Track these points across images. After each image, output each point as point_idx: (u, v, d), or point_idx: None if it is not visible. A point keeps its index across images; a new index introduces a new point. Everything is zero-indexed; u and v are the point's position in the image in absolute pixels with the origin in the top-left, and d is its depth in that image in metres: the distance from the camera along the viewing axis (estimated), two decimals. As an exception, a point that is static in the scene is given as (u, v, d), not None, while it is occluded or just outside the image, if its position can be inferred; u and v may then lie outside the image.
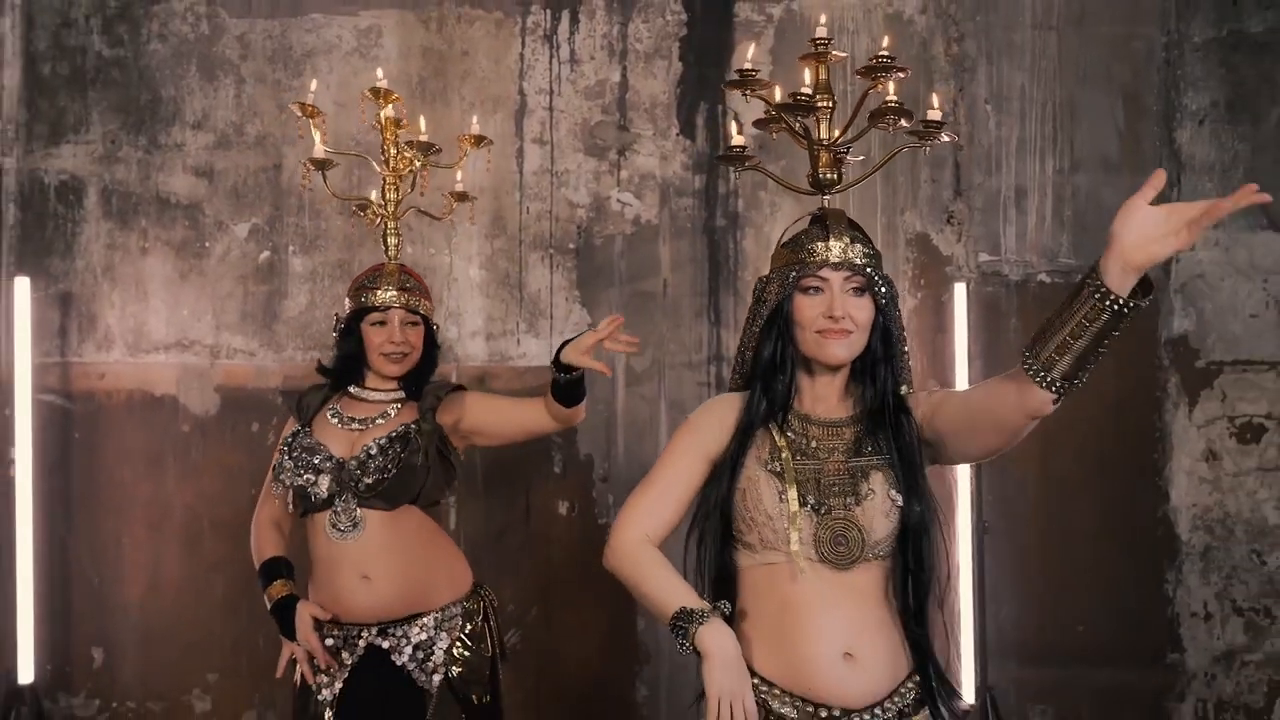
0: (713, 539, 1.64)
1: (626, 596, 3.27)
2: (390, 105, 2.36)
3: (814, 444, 1.63)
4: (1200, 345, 3.30)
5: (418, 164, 2.38)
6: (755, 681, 1.57)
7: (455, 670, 2.22)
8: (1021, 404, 1.44)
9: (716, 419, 1.69)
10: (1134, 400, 3.29)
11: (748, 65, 1.80)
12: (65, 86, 3.36)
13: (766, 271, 1.73)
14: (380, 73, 2.45)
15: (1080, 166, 3.31)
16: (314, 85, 2.55)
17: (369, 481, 2.17)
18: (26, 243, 3.34)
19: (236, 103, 3.36)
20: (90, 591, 3.34)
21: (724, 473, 1.63)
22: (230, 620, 3.34)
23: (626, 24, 3.34)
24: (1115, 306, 1.32)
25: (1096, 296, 1.33)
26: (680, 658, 3.28)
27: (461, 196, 2.61)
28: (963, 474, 3.11)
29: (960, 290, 3.12)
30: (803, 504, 1.57)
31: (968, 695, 3.08)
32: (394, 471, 2.18)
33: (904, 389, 1.70)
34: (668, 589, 1.60)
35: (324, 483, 2.17)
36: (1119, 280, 1.32)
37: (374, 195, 2.50)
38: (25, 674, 3.14)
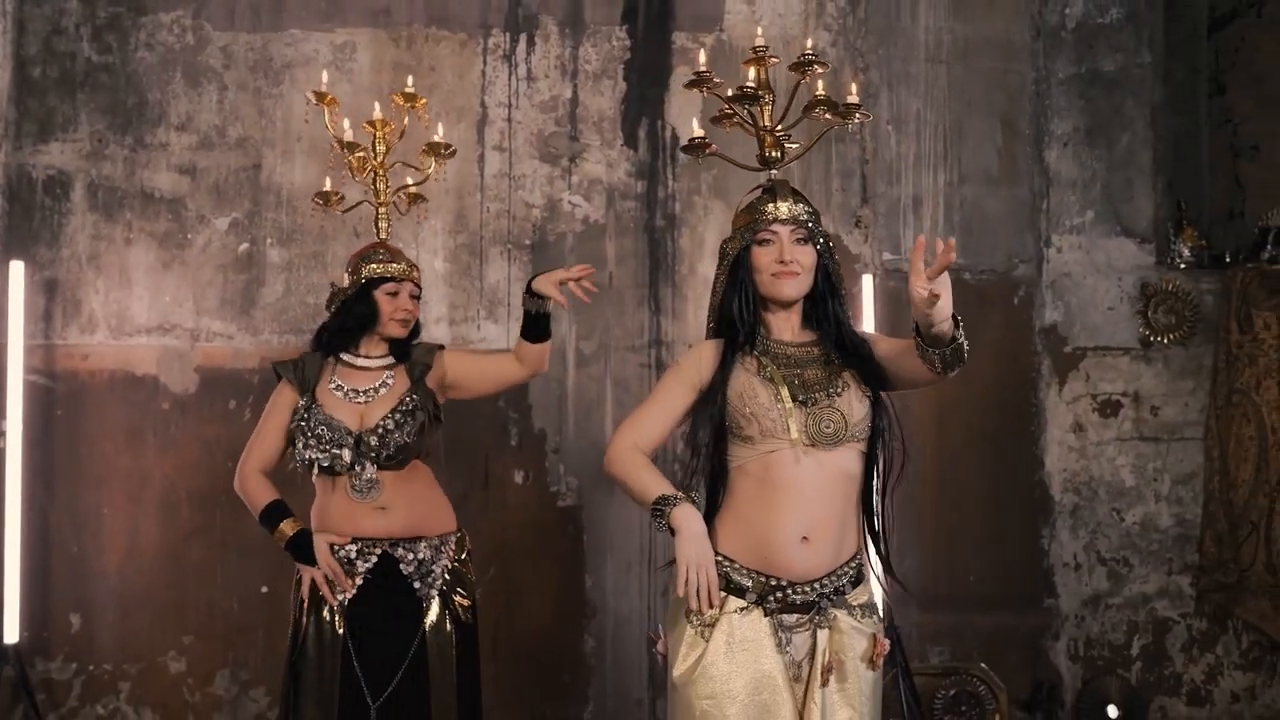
0: (712, 443, 1.97)
1: (575, 558, 3.67)
2: (417, 110, 2.74)
3: (791, 356, 1.99)
4: (1067, 333, 3.84)
5: (428, 169, 2.74)
6: (719, 558, 1.94)
7: (447, 586, 2.55)
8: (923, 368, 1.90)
9: (698, 357, 2.05)
10: (1014, 380, 3.80)
11: (702, 68, 2.22)
12: (55, 88, 3.60)
13: (709, 264, 2.15)
14: (410, 80, 2.80)
15: (967, 180, 3.84)
16: (325, 76, 2.88)
17: (388, 453, 2.51)
18: (13, 232, 3.54)
19: (219, 107, 3.65)
20: (69, 560, 3.53)
21: (717, 387, 1.97)
22: (205, 584, 3.56)
23: (577, 47, 3.75)
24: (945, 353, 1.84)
25: (926, 352, 1.84)
26: (623, 612, 3.65)
27: (416, 198, 2.88)
28: (871, 442, 3.57)
29: (868, 281, 3.59)
30: (794, 400, 1.93)
31: (876, 633, 3.51)
32: (408, 442, 2.52)
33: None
34: (650, 483, 1.96)
35: (345, 455, 2.48)
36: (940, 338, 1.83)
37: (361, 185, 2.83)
38: (10, 634, 3.31)
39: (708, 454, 1.99)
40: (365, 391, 2.57)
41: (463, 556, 2.65)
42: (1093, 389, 3.82)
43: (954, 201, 3.82)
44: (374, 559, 2.50)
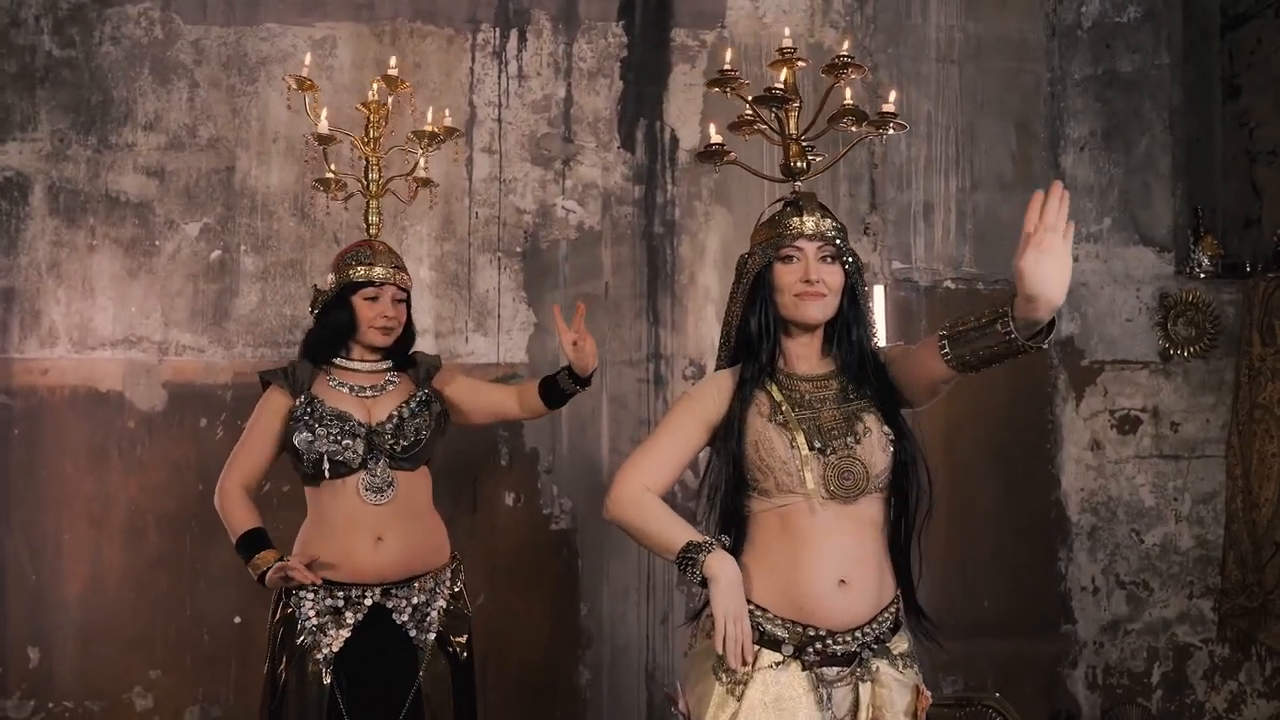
0: (727, 488, 1.79)
1: (569, 584, 3.45)
2: (398, 94, 2.51)
3: (807, 396, 1.80)
4: (1084, 346, 3.66)
5: (428, 147, 2.53)
6: (750, 608, 1.73)
7: (444, 628, 2.35)
8: (943, 369, 1.70)
9: (714, 389, 1.85)
10: (1028, 395, 3.62)
11: (727, 66, 2.02)
12: (12, 84, 3.36)
13: (711, 272, 1.95)
14: (394, 60, 2.59)
15: (980, 185, 3.66)
16: (308, 59, 2.66)
17: (405, 443, 2.30)
18: (-33, 238, 3.32)
19: (190, 106, 3.42)
20: (27, 589, 3.28)
21: (732, 431, 1.78)
22: (173, 615, 3.32)
23: (571, 44, 3.55)
24: (1022, 348, 1.58)
25: (1009, 338, 1.57)
26: (620, 641, 3.44)
27: (425, 182, 2.72)
28: (881, 461, 3.37)
29: (879, 291, 3.41)
30: (810, 448, 1.74)
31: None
32: (426, 434, 2.34)
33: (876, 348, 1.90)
34: (672, 528, 1.75)
35: (359, 447, 2.27)
36: (1032, 325, 1.55)
37: (353, 178, 2.61)
38: (-40, 671, 3.08)
39: (724, 500, 1.81)
40: (371, 388, 2.39)
41: (458, 589, 2.46)
42: (1111, 404, 3.65)
43: (966, 208, 3.64)
44: (364, 611, 2.28)
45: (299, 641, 2.25)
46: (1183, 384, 3.67)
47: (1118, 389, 3.65)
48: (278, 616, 2.31)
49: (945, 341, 1.66)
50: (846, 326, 1.86)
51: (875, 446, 1.78)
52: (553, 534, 3.45)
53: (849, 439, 1.77)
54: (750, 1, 3.58)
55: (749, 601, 1.74)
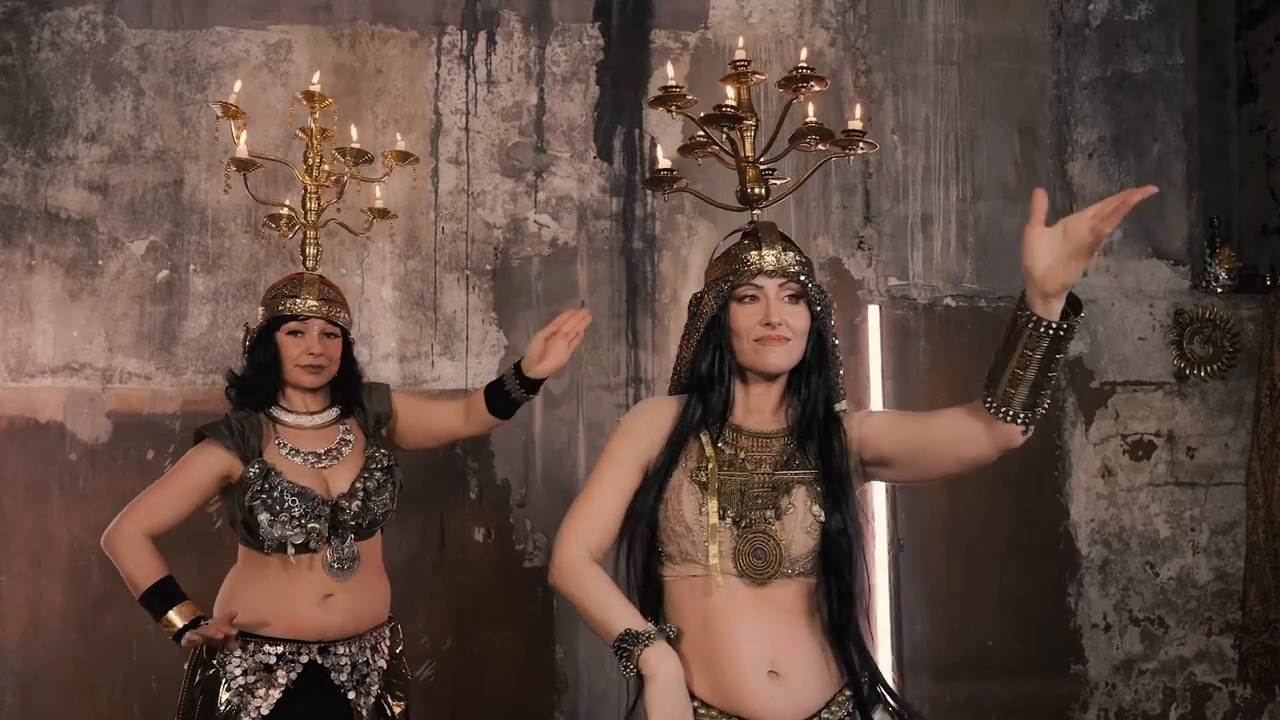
0: (640, 549, 1.58)
1: (543, 625, 3.22)
2: (320, 111, 2.28)
3: (742, 455, 1.58)
4: (1094, 367, 3.42)
5: (345, 173, 2.30)
6: (695, 704, 1.49)
7: (383, 690, 2.15)
8: (992, 440, 1.45)
9: (648, 422, 1.63)
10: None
11: (670, 82, 1.79)
12: (-55, 94, 3.15)
13: (693, 290, 1.71)
14: (316, 77, 2.35)
15: (981, 194, 3.42)
16: (238, 86, 2.42)
17: (371, 519, 2.14)
18: (-103, 259, 3.09)
19: (135, 115, 3.19)
20: (-39, 634, 3.08)
21: (653, 482, 1.57)
22: (119, 660, 3.09)
23: (544, 47, 3.32)
24: (1050, 331, 1.35)
25: (1030, 325, 1.36)
26: (599, 687, 3.22)
27: (382, 213, 2.52)
28: (878, 492, 3.14)
29: (874, 312, 3.17)
30: (722, 516, 1.51)
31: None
32: (391, 505, 2.18)
33: (840, 405, 1.66)
34: (611, 610, 1.52)
35: (323, 529, 2.07)
36: (1043, 308, 1.35)
37: (288, 205, 2.40)
38: (-115, 727, 2.87)
39: (638, 560, 1.58)
40: (326, 454, 2.16)
41: (398, 650, 2.25)
42: (1123, 428, 3.41)
43: (967, 219, 3.40)
44: (299, 669, 2.06)
45: (221, 707, 2.02)
46: (1199, 406, 3.43)
47: (1130, 412, 3.41)
48: (197, 680, 2.08)
49: (987, 393, 1.43)
50: (807, 374, 1.62)
51: (797, 526, 1.53)
52: (525, 571, 3.22)
53: (769, 512, 1.53)
54: (735, 1, 3.35)
55: (690, 695, 1.49)
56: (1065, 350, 1.39)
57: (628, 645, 1.47)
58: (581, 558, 1.58)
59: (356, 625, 2.14)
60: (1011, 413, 1.41)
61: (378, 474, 2.17)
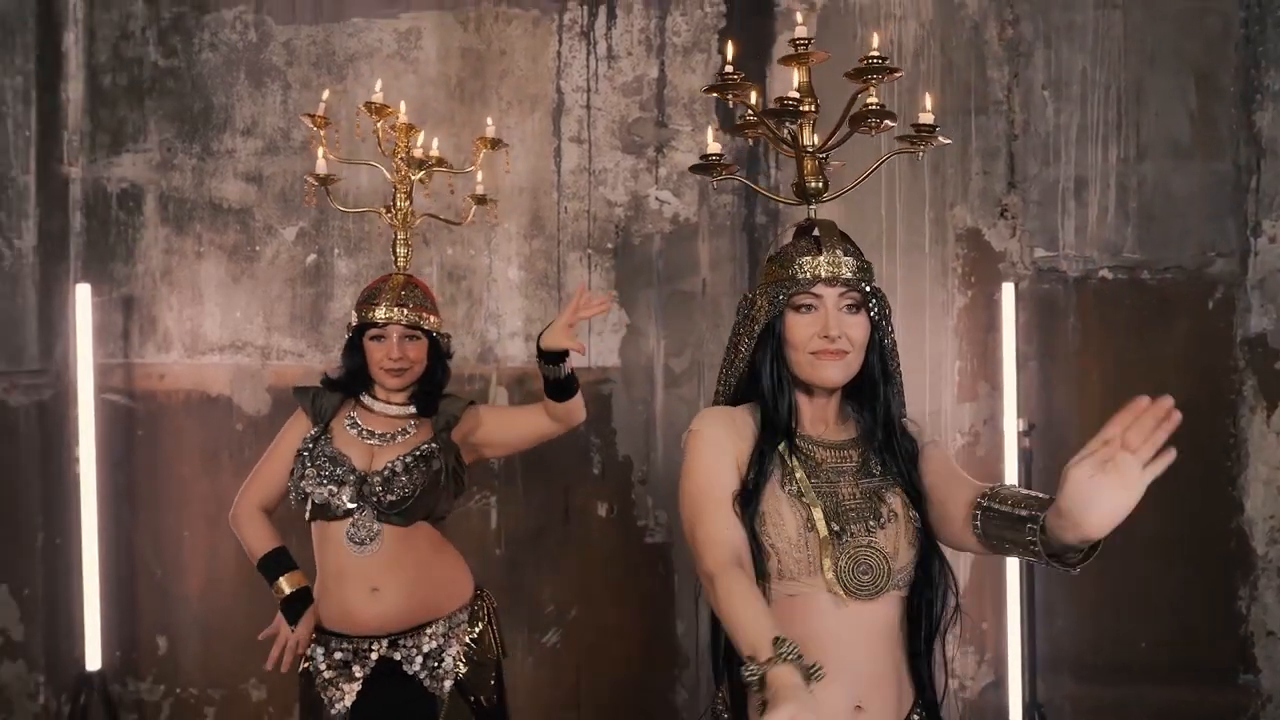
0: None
1: (664, 601, 3.25)
2: (385, 120, 2.33)
3: (824, 466, 1.50)
4: (1279, 345, 3.04)
5: (414, 178, 2.36)
6: None
7: (463, 675, 2.21)
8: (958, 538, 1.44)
9: (731, 432, 1.52)
10: (1205, 403, 3.03)
11: (728, 69, 1.69)
12: (124, 97, 3.44)
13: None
14: (379, 85, 2.42)
15: (1147, 154, 3.06)
16: (326, 94, 2.51)
17: (392, 499, 2.15)
18: (92, 249, 3.42)
19: (283, 109, 3.39)
20: (153, 583, 3.45)
21: (749, 500, 1.47)
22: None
23: (664, 17, 3.23)
24: (1055, 564, 1.30)
25: (1034, 550, 1.28)
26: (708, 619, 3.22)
27: (480, 200, 2.56)
28: (1010, 471, 2.94)
29: (1009, 290, 2.93)
30: (828, 530, 1.44)
31: (1014, 713, 2.93)
32: (417, 491, 2.17)
33: (907, 421, 1.58)
34: (752, 627, 1.33)
35: (346, 494, 2.15)
36: (1065, 540, 1.23)
37: (384, 209, 2.47)
38: (93, 661, 3.28)
39: None
40: (382, 435, 2.25)
41: (479, 629, 2.28)
42: (1313, 415, 3.01)
43: (1129, 182, 3.06)
44: (371, 664, 2.17)
45: (315, 694, 2.18)
46: None
47: (1323, 397, 3.01)
48: (300, 675, 2.25)
49: (978, 514, 1.36)
50: (873, 388, 1.54)
51: (900, 535, 1.46)
52: (647, 548, 3.25)
53: (870, 522, 1.46)
54: (866, -47, 3.13)
55: None
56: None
57: (756, 669, 1.30)
58: (732, 565, 1.41)
59: (413, 616, 2.19)
60: (984, 540, 1.39)
61: (413, 459, 2.19)
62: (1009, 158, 3.09)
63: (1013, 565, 2.95)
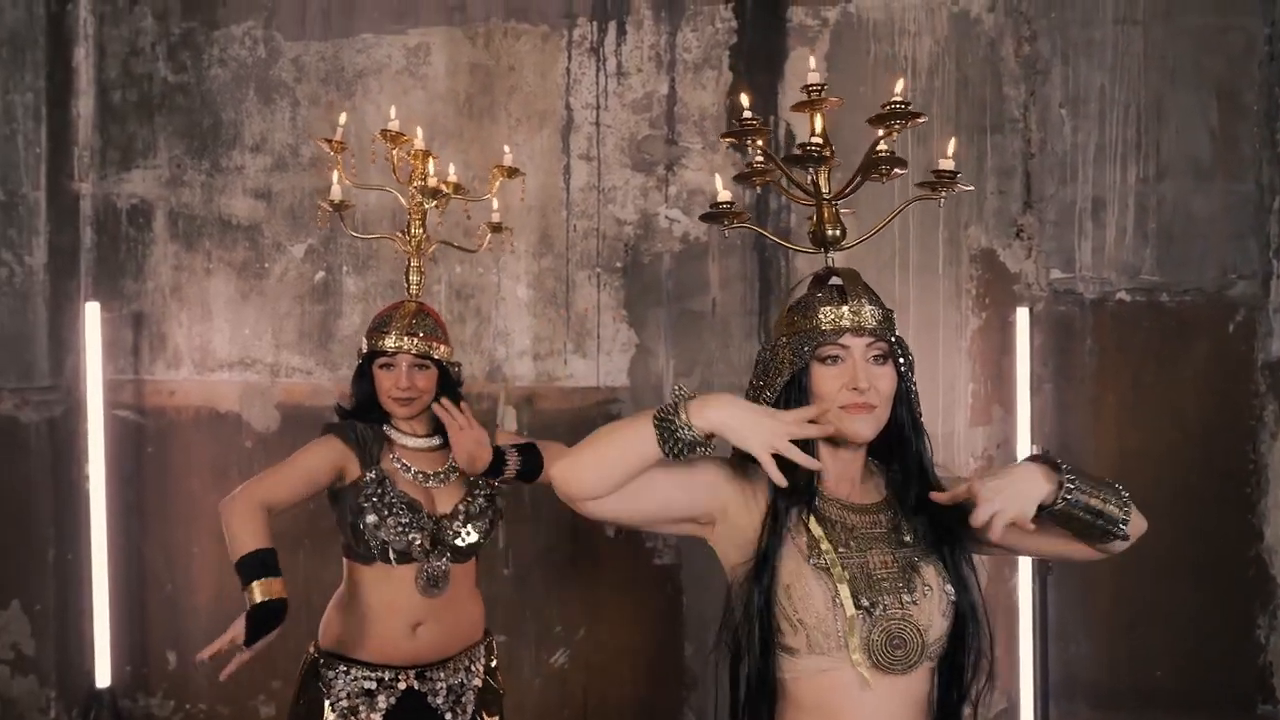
0: (756, 647, 1.43)
1: (673, 622, 3.23)
2: (401, 148, 2.31)
3: (853, 532, 1.44)
4: (1303, 369, 2.97)
5: (428, 206, 2.33)
6: None
7: (478, 706, 2.23)
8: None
9: (743, 470, 1.46)
10: (1225, 429, 2.97)
11: (746, 115, 1.64)
12: (134, 113, 3.43)
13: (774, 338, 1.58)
14: (394, 112, 2.39)
15: (1167, 173, 2.99)
16: (343, 119, 2.46)
17: (471, 542, 2.20)
18: (102, 265, 3.42)
19: (292, 125, 3.37)
20: (163, 598, 3.45)
21: (763, 568, 1.41)
22: (290, 629, 3.37)
23: (675, 33, 3.19)
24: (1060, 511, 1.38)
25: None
26: (727, 685, 3.20)
27: (496, 227, 2.54)
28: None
29: (1023, 314, 2.88)
30: (857, 605, 1.38)
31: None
32: (489, 531, 2.24)
33: (938, 469, 1.51)
34: (631, 422, 1.38)
35: (425, 541, 2.16)
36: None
37: (398, 234, 2.46)
38: (103, 677, 3.29)
39: (754, 666, 1.44)
40: (434, 475, 2.23)
41: (492, 666, 2.32)
42: (1336, 441, 2.95)
43: (1149, 202, 3.00)
44: (398, 695, 2.16)
45: (321, 720, 2.16)
46: None
47: (1347, 422, 2.94)
48: (301, 701, 2.24)
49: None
50: (903, 441, 1.48)
51: (934, 609, 1.40)
52: (655, 569, 3.22)
53: (904, 595, 1.40)
54: (880, -32, 3.08)
55: None
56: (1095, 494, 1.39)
57: (669, 415, 1.34)
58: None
59: (447, 649, 2.21)
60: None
61: (480, 500, 2.24)
62: (1025, 177, 3.03)
63: (1024, 589, 2.91)
